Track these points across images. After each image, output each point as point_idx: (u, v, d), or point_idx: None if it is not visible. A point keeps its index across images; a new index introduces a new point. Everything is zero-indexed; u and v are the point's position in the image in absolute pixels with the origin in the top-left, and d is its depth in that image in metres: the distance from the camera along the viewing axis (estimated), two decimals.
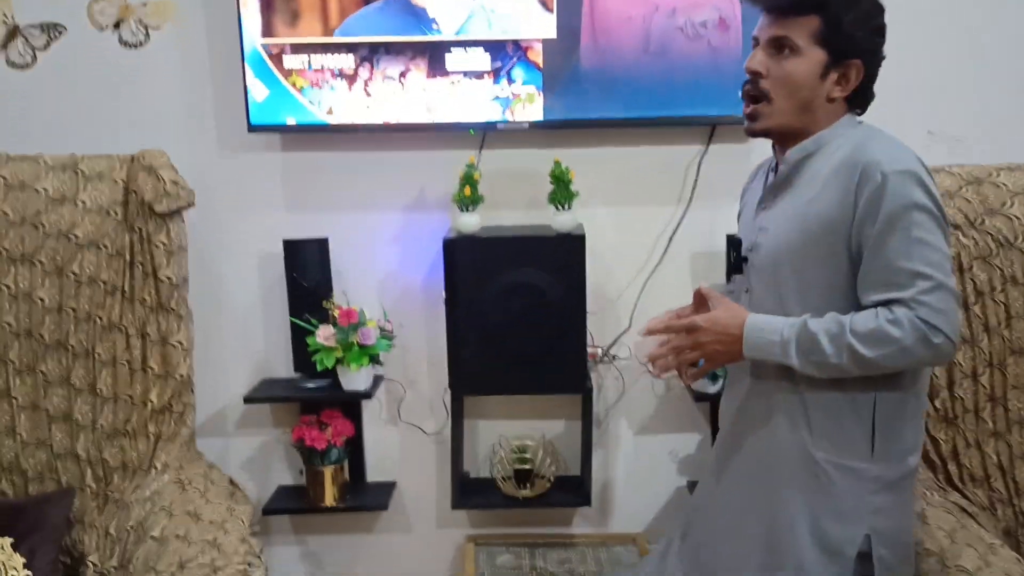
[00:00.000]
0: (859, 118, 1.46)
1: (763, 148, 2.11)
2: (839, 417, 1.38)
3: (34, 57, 2.07)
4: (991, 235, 1.90)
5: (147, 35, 2.07)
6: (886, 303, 1.29)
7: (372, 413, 2.30)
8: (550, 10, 1.99)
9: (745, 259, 1.49)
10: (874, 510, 1.37)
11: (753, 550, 1.45)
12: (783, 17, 1.37)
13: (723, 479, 1.54)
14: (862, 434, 1.37)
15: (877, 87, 2.09)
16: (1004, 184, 1.91)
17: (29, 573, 1.78)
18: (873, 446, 1.37)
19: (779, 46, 1.37)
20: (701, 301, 1.48)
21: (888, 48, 2.05)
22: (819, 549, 1.38)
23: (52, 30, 2.05)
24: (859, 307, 1.33)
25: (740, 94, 1.44)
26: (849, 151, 1.36)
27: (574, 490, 2.23)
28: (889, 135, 1.41)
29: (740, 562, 1.46)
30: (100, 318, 2.04)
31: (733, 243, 1.54)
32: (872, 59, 1.41)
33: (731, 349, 1.38)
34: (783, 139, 1.44)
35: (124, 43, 2.07)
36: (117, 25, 2.06)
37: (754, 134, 1.45)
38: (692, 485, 2.29)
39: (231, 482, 2.13)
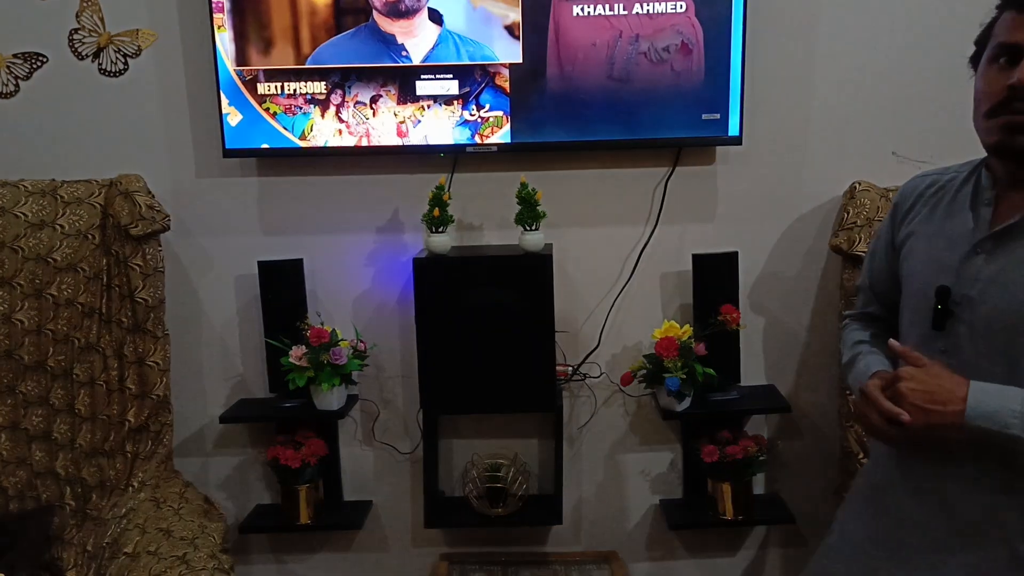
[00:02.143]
0: None
1: (729, 168, 2.17)
2: None
3: (17, 86, 2.13)
4: None
5: (126, 63, 2.12)
6: None
7: (347, 432, 2.32)
8: (516, 37, 2.04)
9: (950, 313, 1.22)
10: None
11: None
12: None
13: None
14: None
15: (842, 108, 2.14)
16: None
17: None
18: None
19: None
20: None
21: (852, 69, 2.12)
22: None
23: (34, 60, 2.11)
24: None
25: (990, 109, 1.21)
26: None
27: (546, 508, 2.23)
28: None
29: None
30: (78, 339, 2.08)
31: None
32: None
33: (945, 409, 1.13)
34: None
35: (104, 71, 2.12)
36: (97, 54, 2.12)
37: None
38: (664, 503, 2.31)
39: (206, 500, 2.16)
